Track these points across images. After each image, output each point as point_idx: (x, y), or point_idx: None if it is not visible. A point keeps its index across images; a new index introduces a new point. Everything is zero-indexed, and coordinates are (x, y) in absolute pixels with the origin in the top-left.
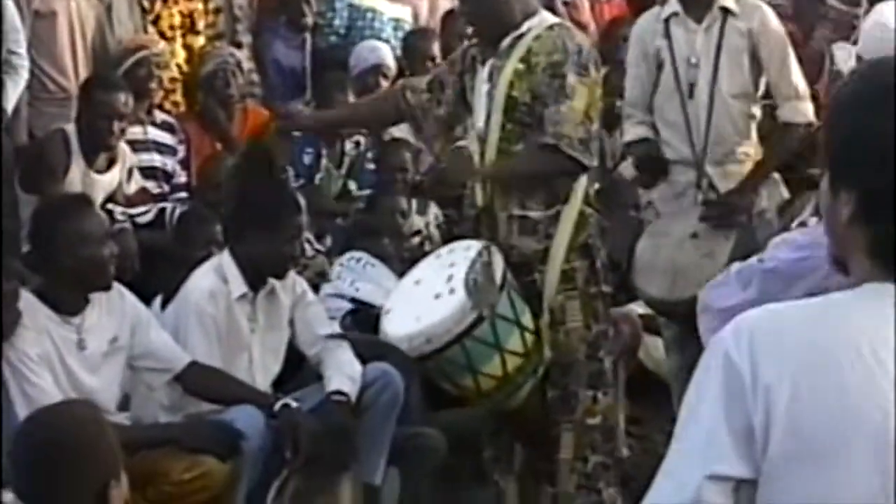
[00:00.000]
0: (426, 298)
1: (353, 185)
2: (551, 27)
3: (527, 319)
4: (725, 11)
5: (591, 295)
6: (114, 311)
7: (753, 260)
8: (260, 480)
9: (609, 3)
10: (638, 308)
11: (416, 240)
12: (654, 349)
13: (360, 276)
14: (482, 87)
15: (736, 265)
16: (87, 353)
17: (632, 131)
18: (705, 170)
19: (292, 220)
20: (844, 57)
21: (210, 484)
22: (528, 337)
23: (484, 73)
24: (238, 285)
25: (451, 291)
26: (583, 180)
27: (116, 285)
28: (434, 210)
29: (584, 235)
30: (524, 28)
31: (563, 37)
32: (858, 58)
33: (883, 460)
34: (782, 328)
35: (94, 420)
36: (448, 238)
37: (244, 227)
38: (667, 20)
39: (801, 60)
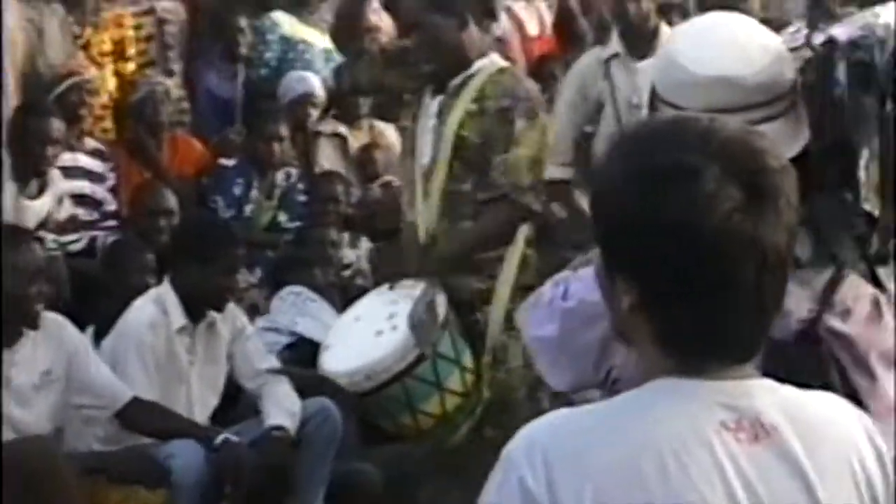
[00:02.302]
0: (367, 335)
1: (283, 217)
2: (502, 70)
3: (467, 359)
4: None
5: None
6: (50, 342)
7: (559, 290)
8: None
9: (539, 40)
10: None
11: (348, 273)
12: None
13: (299, 310)
14: (428, 122)
15: (548, 289)
16: (14, 387)
17: (551, 171)
18: None
19: (230, 252)
20: None
21: None
22: (468, 377)
23: (432, 107)
24: (178, 316)
25: (393, 329)
26: (524, 224)
27: (55, 316)
28: (365, 244)
29: (526, 276)
30: (475, 68)
31: (514, 81)
32: (653, 88)
33: None
34: (580, 448)
35: (45, 457)
36: (382, 273)
37: (183, 259)
38: (607, 61)
39: None
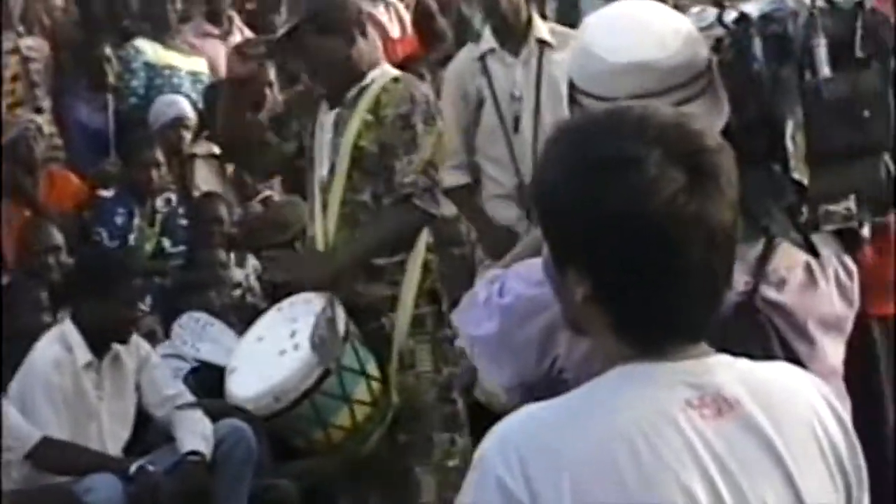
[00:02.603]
0: (271, 356)
1: (167, 243)
2: (395, 79)
3: (372, 368)
4: (542, 43)
5: (440, 339)
6: None
7: (495, 287)
8: None
9: (402, 42)
10: None
11: (238, 292)
12: (488, 382)
13: (199, 336)
14: (325, 136)
15: (483, 287)
16: None
17: (449, 178)
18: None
19: (129, 284)
20: None
21: None
22: (375, 385)
23: (329, 121)
24: (83, 353)
25: (296, 347)
26: (425, 228)
27: None
28: (252, 261)
29: (429, 281)
30: (368, 79)
31: (410, 88)
32: (570, 80)
33: None
34: (552, 441)
35: None
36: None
37: (82, 295)
38: (482, 57)
39: None
